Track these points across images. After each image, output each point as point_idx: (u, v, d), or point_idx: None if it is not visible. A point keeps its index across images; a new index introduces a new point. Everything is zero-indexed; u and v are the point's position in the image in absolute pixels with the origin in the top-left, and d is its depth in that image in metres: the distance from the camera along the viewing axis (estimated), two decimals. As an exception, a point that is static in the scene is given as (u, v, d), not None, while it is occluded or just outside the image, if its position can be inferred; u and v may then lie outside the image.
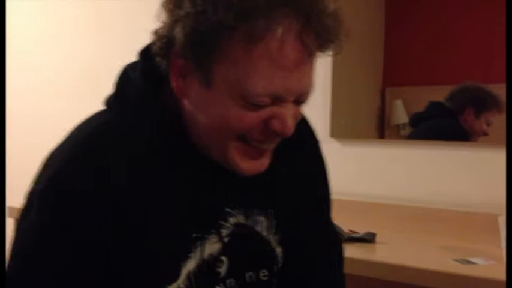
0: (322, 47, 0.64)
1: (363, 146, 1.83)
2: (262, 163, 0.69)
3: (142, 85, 0.70)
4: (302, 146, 0.80)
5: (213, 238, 0.71)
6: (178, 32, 0.62)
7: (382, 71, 2.00)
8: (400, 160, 1.74)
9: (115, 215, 0.65)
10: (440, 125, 1.79)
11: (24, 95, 2.65)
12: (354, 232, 1.40)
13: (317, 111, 1.85)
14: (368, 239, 1.35)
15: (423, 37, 1.94)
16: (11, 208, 1.80)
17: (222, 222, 0.72)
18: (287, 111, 0.65)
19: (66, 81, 2.51)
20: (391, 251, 1.33)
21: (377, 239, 1.37)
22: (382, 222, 1.59)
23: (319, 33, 0.62)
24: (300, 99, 0.66)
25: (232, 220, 0.73)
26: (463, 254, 1.24)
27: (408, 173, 1.71)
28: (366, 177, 1.77)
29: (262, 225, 0.76)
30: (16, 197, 2.51)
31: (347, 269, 0.98)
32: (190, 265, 0.69)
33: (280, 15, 0.60)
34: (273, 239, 0.78)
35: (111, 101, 0.74)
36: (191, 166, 0.70)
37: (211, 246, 0.71)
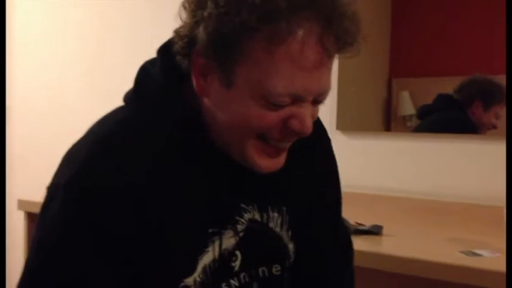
0: (341, 49, 0.66)
1: (369, 139, 1.84)
2: (279, 161, 0.72)
3: (162, 81, 0.71)
4: (316, 145, 0.82)
5: (229, 233, 0.74)
6: (201, 32, 0.64)
7: (389, 62, 2.01)
8: (407, 153, 1.76)
9: (135, 211, 0.67)
10: (448, 118, 1.80)
11: (30, 92, 2.69)
12: (360, 224, 1.42)
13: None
14: (375, 231, 1.37)
15: (430, 28, 1.93)
16: (20, 201, 1.83)
17: (238, 218, 0.75)
18: (306, 111, 0.67)
19: (70, 80, 2.54)
20: (398, 243, 1.35)
21: (383, 231, 1.39)
22: (389, 215, 1.61)
23: (339, 36, 0.64)
24: (318, 99, 0.68)
25: (247, 216, 0.76)
26: (469, 246, 1.26)
27: (415, 165, 1.73)
28: (372, 169, 1.79)
29: (275, 221, 0.79)
30: (24, 190, 2.54)
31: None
32: (206, 259, 0.72)
33: (301, 18, 0.62)
34: (285, 235, 0.80)
35: (129, 97, 0.75)
36: (209, 163, 0.72)
37: (227, 241, 0.74)
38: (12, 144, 2.75)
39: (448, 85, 1.88)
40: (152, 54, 0.75)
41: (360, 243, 1.28)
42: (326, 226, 0.86)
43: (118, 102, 0.77)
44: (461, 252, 1.22)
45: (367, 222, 1.42)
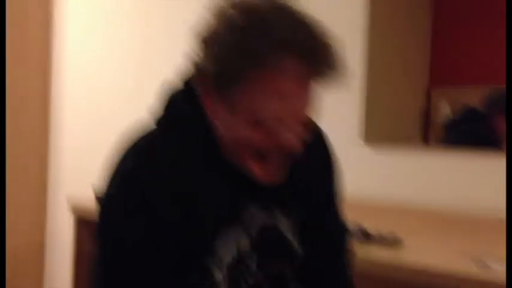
0: (320, 80, 0.83)
1: (395, 152, 1.91)
2: (277, 174, 0.87)
3: (187, 109, 0.89)
4: (312, 145, 0.94)
5: (242, 233, 0.89)
6: (208, 69, 0.83)
7: (429, 71, 2.05)
8: (431, 166, 1.82)
9: (179, 204, 0.85)
10: (472, 131, 1.83)
11: (82, 93, 2.87)
12: (380, 235, 1.51)
13: (349, 112, 1.95)
14: (394, 242, 1.47)
15: (471, 36, 1.96)
16: (71, 204, 1.99)
17: (251, 222, 0.90)
18: (293, 133, 0.83)
19: (120, 84, 2.70)
20: (415, 254, 1.44)
21: (403, 242, 1.48)
22: (409, 226, 1.69)
23: (319, 71, 0.81)
24: (302, 120, 0.84)
25: (258, 220, 0.91)
26: (484, 258, 1.34)
27: (437, 178, 1.79)
28: (395, 181, 1.85)
29: (283, 224, 0.94)
30: (73, 189, 2.71)
31: (372, 271, 1.05)
32: (227, 257, 0.88)
33: (285, 60, 0.79)
34: (293, 237, 0.95)
35: (160, 122, 0.92)
36: (223, 172, 0.88)
37: (243, 243, 0.89)
38: (62, 143, 2.97)
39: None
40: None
41: (378, 254, 1.38)
42: (325, 222, 1.00)
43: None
44: (476, 264, 1.30)
45: (387, 233, 1.51)
